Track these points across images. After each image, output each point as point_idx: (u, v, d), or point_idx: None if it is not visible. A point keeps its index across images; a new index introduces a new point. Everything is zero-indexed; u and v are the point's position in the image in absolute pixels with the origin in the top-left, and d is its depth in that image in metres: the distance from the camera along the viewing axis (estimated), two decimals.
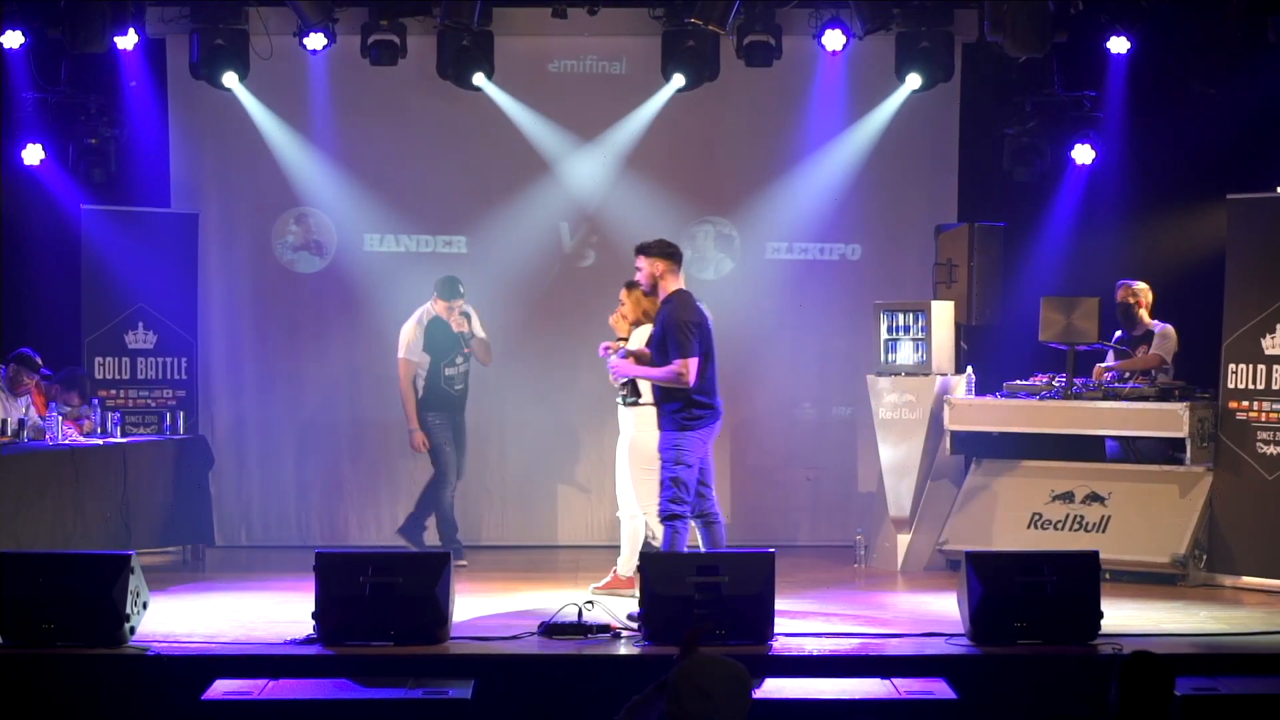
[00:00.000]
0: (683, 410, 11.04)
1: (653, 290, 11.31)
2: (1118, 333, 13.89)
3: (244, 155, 15.30)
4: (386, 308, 15.17)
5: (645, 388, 11.84)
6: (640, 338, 11.99)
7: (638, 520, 12.16)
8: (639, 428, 12.02)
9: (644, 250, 11.29)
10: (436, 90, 15.01)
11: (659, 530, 11.42)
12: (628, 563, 12.03)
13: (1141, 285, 13.81)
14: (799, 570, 13.04)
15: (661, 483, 11.09)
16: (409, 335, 13.97)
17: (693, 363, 10.94)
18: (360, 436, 15.41)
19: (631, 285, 12.11)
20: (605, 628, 10.25)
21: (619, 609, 10.69)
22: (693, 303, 11.17)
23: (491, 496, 15.43)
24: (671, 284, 11.20)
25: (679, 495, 11.02)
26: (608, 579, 12.23)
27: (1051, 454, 13.65)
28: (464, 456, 14.25)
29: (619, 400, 12.08)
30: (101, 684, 9.44)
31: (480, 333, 14.09)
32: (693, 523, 11.23)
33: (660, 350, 11.14)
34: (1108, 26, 14.64)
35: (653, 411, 11.80)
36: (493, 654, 9.80)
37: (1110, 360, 13.86)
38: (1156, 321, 13.78)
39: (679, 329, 10.98)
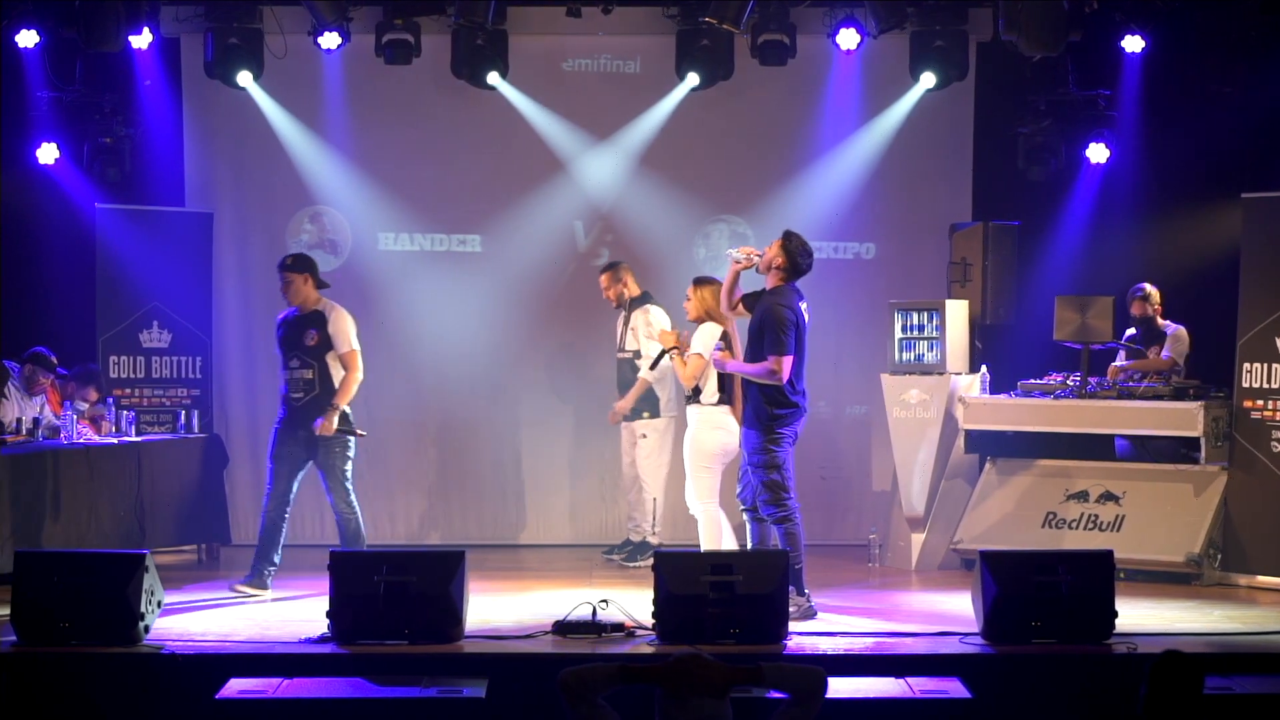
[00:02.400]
0: (765, 408, 11.07)
1: (765, 270, 11.29)
2: (1130, 330, 13.89)
3: (258, 154, 15.31)
4: (401, 307, 15.24)
5: (707, 388, 11.87)
6: (704, 337, 11.98)
7: (704, 513, 12.16)
8: (699, 426, 12.00)
9: (785, 237, 11.25)
10: (451, 89, 15.02)
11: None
12: None
13: (1152, 289, 13.83)
14: (813, 569, 12.95)
15: (757, 489, 11.13)
16: None
17: (787, 360, 10.97)
18: (374, 435, 15.36)
19: (699, 282, 12.12)
20: (619, 626, 10.25)
21: (634, 608, 10.69)
22: (793, 299, 11.17)
23: (505, 495, 15.43)
24: (777, 280, 11.24)
25: (778, 498, 11.06)
26: None
27: (1066, 453, 13.63)
28: (339, 491, 12.37)
29: (686, 397, 12.16)
30: (116, 683, 9.44)
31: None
32: (744, 517, 11.33)
33: (756, 341, 11.17)
34: (1122, 25, 14.63)
35: (714, 411, 11.85)
36: (507, 653, 9.80)
37: (1121, 359, 13.87)
38: (1169, 322, 13.82)
39: (777, 324, 11.00)
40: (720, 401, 11.91)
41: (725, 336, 11.90)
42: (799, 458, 15.22)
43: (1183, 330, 13.77)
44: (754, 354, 11.18)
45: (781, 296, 11.14)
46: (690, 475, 12.10)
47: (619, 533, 14.65)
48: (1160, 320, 13.89)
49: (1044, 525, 13.32)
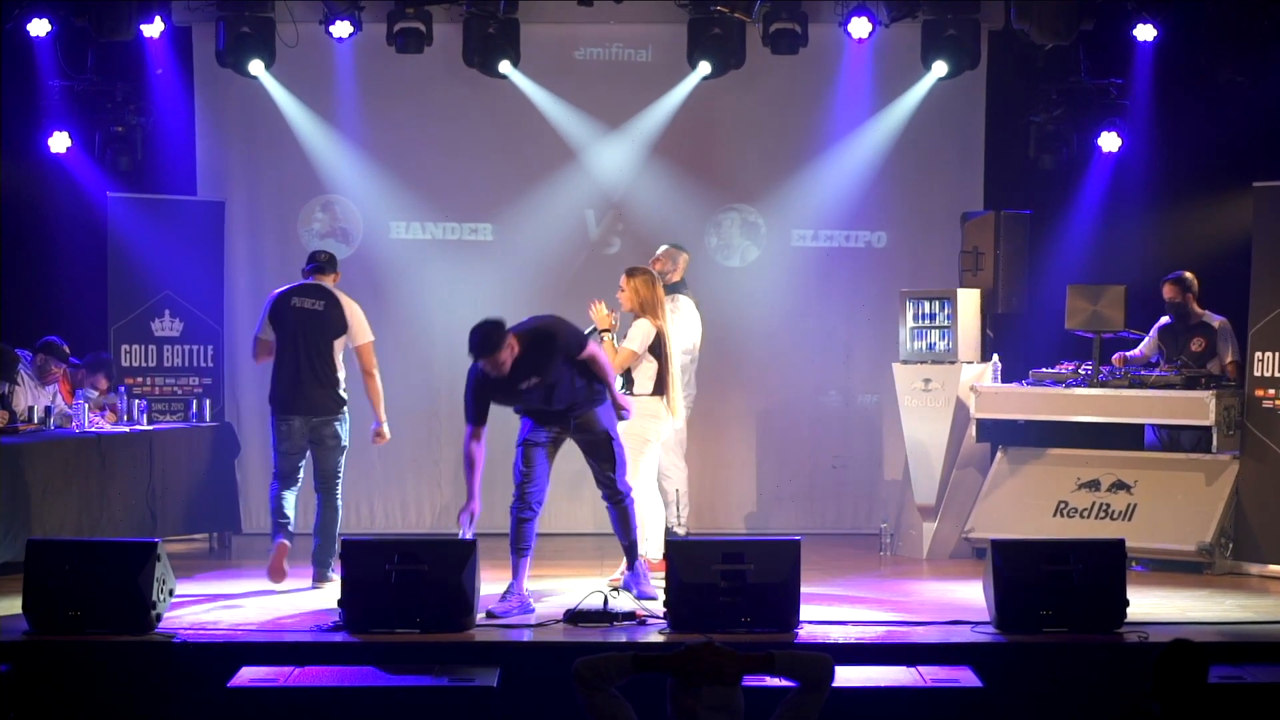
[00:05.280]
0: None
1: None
2: (1163, 318, 13.79)
3: (270, 143, 15.33)
4: (413, 295, 15.26)
5: (640, 378, 11.88)
6: (636, 332, 11.95)
7: (640, 502, 12.10)
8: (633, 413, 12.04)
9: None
10: (462, 78, 15.02)
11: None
12: (650, 544, 11.94)
13: (1189, 275, 13.68)
14: (824, 558, 13.03)
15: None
16: (362, 314, 12.55)
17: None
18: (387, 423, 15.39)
19: (631, 272, 12.07)
20: (630, 615, 10.26)
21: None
22: None
23: None
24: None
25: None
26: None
27: (1078, 442, 13.62)
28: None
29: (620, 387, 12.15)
30: (128, 671, 9.46)
31: None
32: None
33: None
34: (1134, 14, 14.61)
35: (646, 400, 11.87)
36: (518, 641, 9.83)
37: (1135, 351, 13.82)
38: (1208, 312, 13.66)
39: None
40: (655, 392, 11.93)
41: (659, 337, 11.88)
42: (812, 445, 15.38)
43: (1227, 322, 13.57)
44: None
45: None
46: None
47: None
48: (1199, 309, 13.75)
49: (1055, 514, 13.30)
